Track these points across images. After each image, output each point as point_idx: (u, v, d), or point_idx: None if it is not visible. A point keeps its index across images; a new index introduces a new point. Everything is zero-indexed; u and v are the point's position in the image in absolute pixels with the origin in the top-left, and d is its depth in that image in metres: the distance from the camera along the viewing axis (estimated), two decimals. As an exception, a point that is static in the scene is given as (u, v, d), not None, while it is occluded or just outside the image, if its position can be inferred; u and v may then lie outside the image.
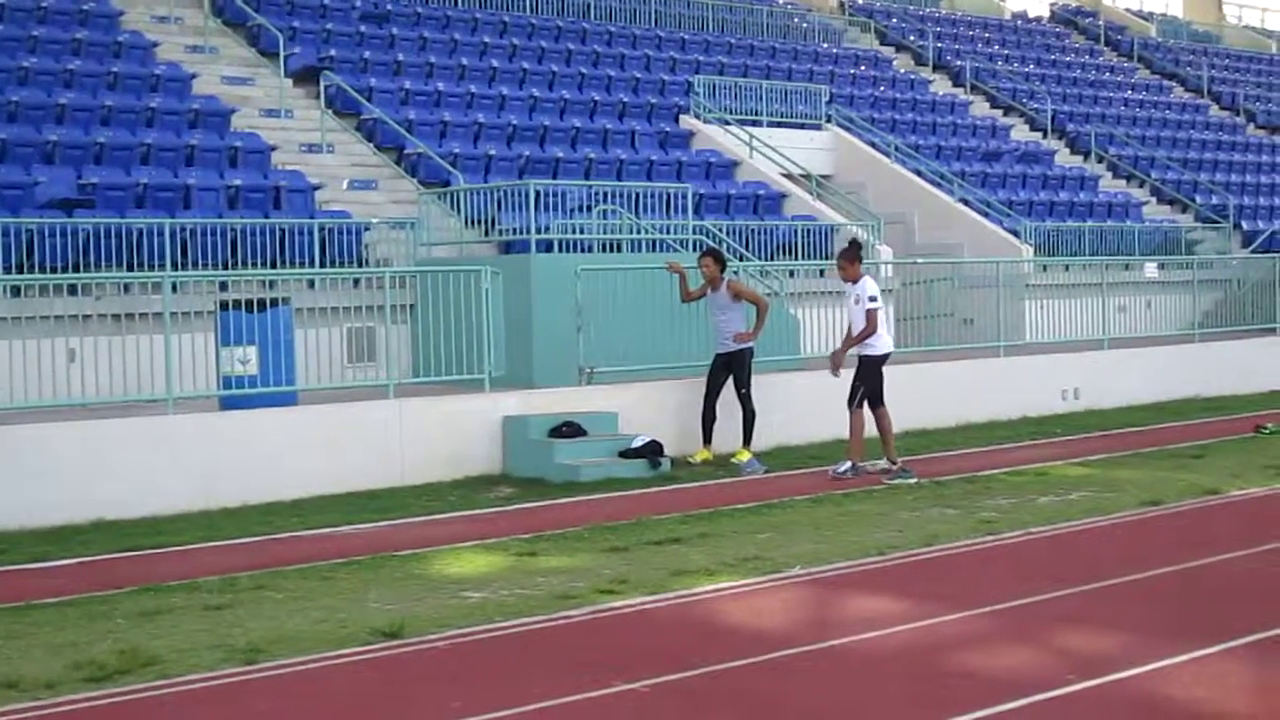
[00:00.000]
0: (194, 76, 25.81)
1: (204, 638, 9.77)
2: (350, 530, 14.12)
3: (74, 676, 8.78)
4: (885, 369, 17.30)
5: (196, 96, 25.03)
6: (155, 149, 22.34)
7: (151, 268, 18.93)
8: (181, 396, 16.13)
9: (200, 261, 19.68)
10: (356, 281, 20.03)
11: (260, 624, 10.12)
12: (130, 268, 19.08)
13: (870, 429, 17.16)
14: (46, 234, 18.70)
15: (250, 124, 25.09)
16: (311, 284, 19.85)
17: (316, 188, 22.77)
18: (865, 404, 17.08)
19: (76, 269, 18.73)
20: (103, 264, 18.94)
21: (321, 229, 20.84)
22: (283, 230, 20.56)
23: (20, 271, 18.25)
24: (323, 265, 20.51)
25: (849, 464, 16.95)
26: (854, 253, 17.47)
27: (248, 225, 20.29)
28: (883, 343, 17.31)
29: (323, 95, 26.58)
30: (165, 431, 15.67)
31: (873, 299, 17.05)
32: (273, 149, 23.82)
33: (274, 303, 16.66)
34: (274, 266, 20.10)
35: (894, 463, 17.06)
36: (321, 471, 16.19)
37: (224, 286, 18.50)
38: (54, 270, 18.50)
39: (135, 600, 11.07)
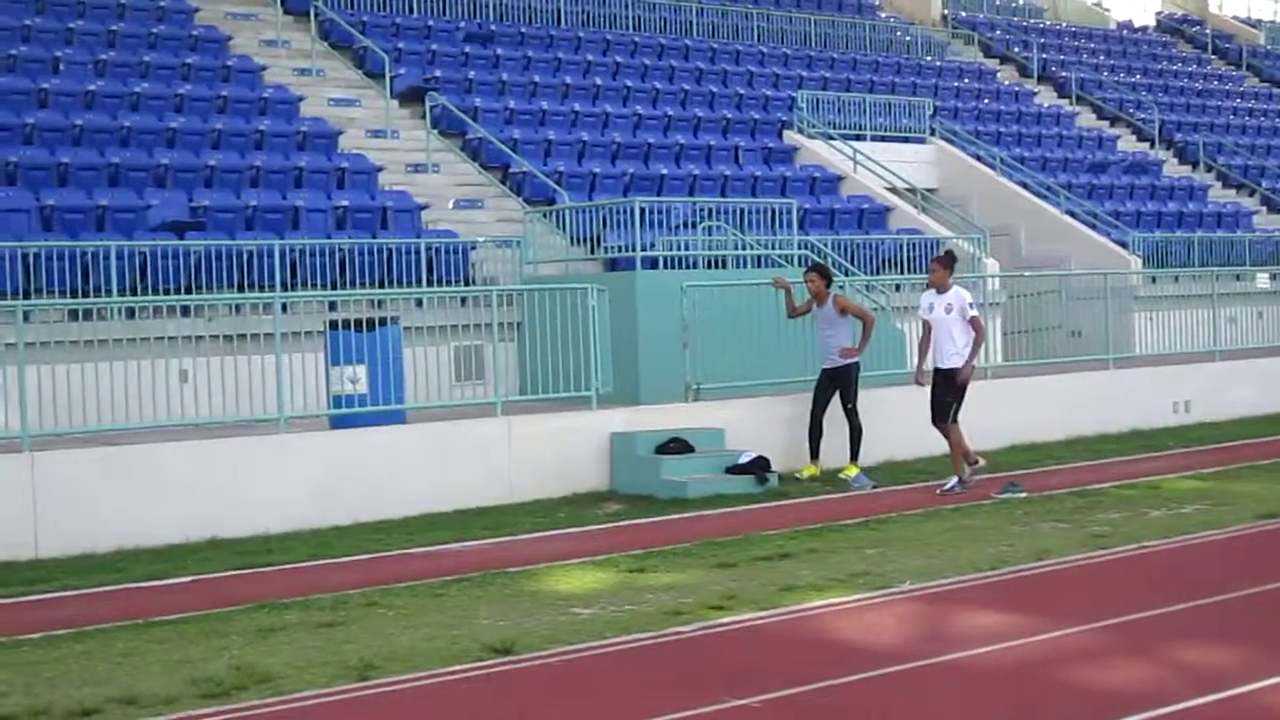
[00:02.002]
0: (301, 99, 26.09)
1: (317, 654, 9.86)
2: (460, 547, 14.20)
3: (191, 693, 8.89)
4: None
5: (304, 119, 25.30)
6: (264, 171, 22.62)
7: (261, 289, 19.16)
8: (292, 416, 16.30)
9: (309, 282, 19.88)
10: (463, 300, 20.16)
11: (373, 641, 10.20)
12: (241, 289, 19.32)
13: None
14: (159, 256, 18.98)
15: (357, 145, 25.34)
16: (419, 303, 19.99)
17: (423, 207, 22.95)
18: (956, 417, 17.06)
19: (188, 291, 19.01)
20: (214, 286, 19.20)
21: (428, 248, 21.00)
22: (390, 250, 20.75)
23: (134, 293, 18.52)
24: (430, 284, 20.64)
25: (956, 479, 16.88)
26: (949, 260, 17.42)
27: (355, 245, 20.49)
28: (962, 357, 17.22)
29: (428, 115, 26.79)
30: (277, 450, 15.84)
31: (973, 304, 17.15)
32: (379, 169, 24.02)
33: (383, 322, 16.80)
34: (382, 286, 20.28)
35: (963, 480, 17.04)
36: (431, 489, 16.30)
37: (333, 306, 18.70)
38: (166, 292, 18.78)
39: (250, 617, 11.19)
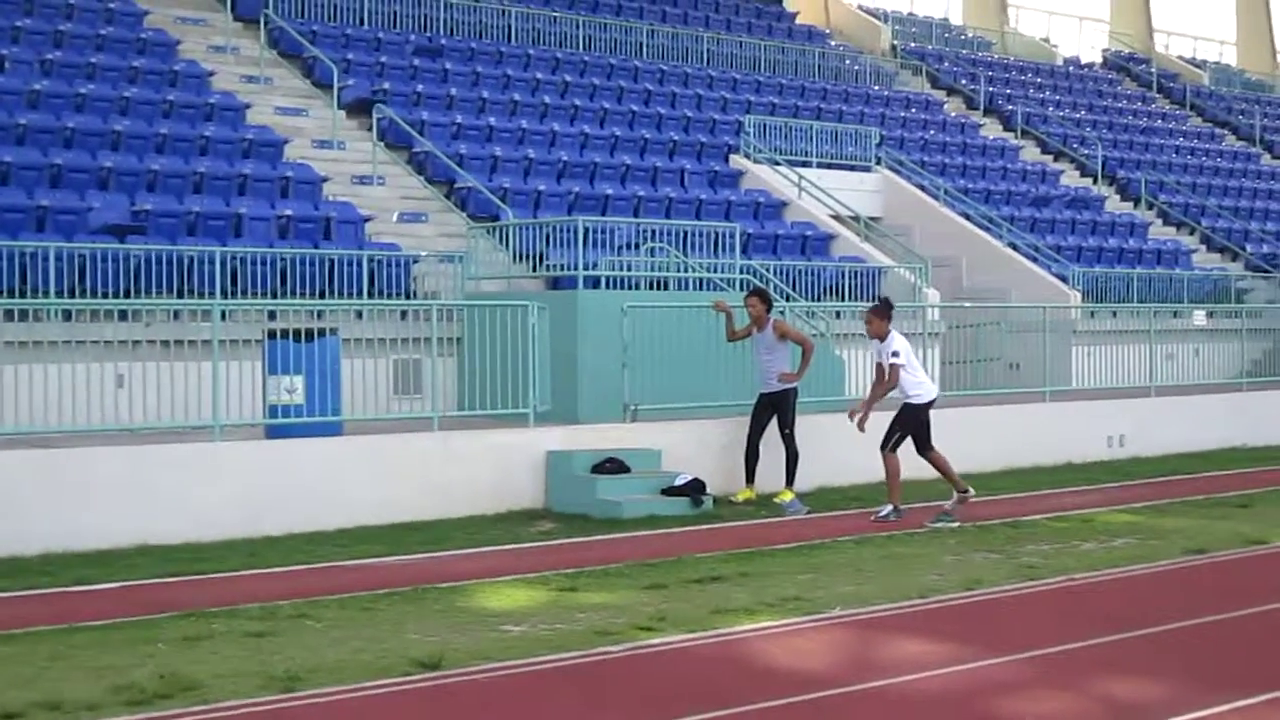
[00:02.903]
0: (248, 106, 25.99)
1: (244, 664, 9.81)
2: (392, 561, 14.15)
3: (115, 700, 8.83)
4: (932, 413, 17.32)
5: (250, 126, 25.21)
6: (208, 177, 22.51)
7: (201, 295, 19.07)
8: (228, 424, 16.22)
9: (249, 290, 19.80)
10: (404, 314, 20.11)
11: (300, 652, 10.15)
12: (180, 295, 19.23)
13: (907, 472, 17.27)
14: (98, 259, 18.86)
15: (302, 155, 25.25)
16: (359, 315, 19.94)
17: (367, 219, 22.89)
18: (898, 448, 17.15)
19: (127, 295, 18.89)
20: (153, 291, 19.09)
21: (371, 261, 20.94)
22: (332, 261, 20.68)
23: (72, 296, 18.40)
24: (371, 297, 20.59)
25: (890, 507, 16.93)
26: (884, 310, 17.33)
27: (297, 255, 20.41)
28: (926, 390, 17.36)
29: (375, 128, 26.74)
30: (211, 458, 15.76)
31: (895, 354, 17.01)
32: (324, 180, 23.96)
33: (322, 333, 16.75)
34: (322, 297, 20.21)
35: (964, 491, 17.25)
36: (365, 502, 16.26)
37: (272, 316, 18.62)
38: (105, 296, 18.66)
39: (177, 625, 11.13)
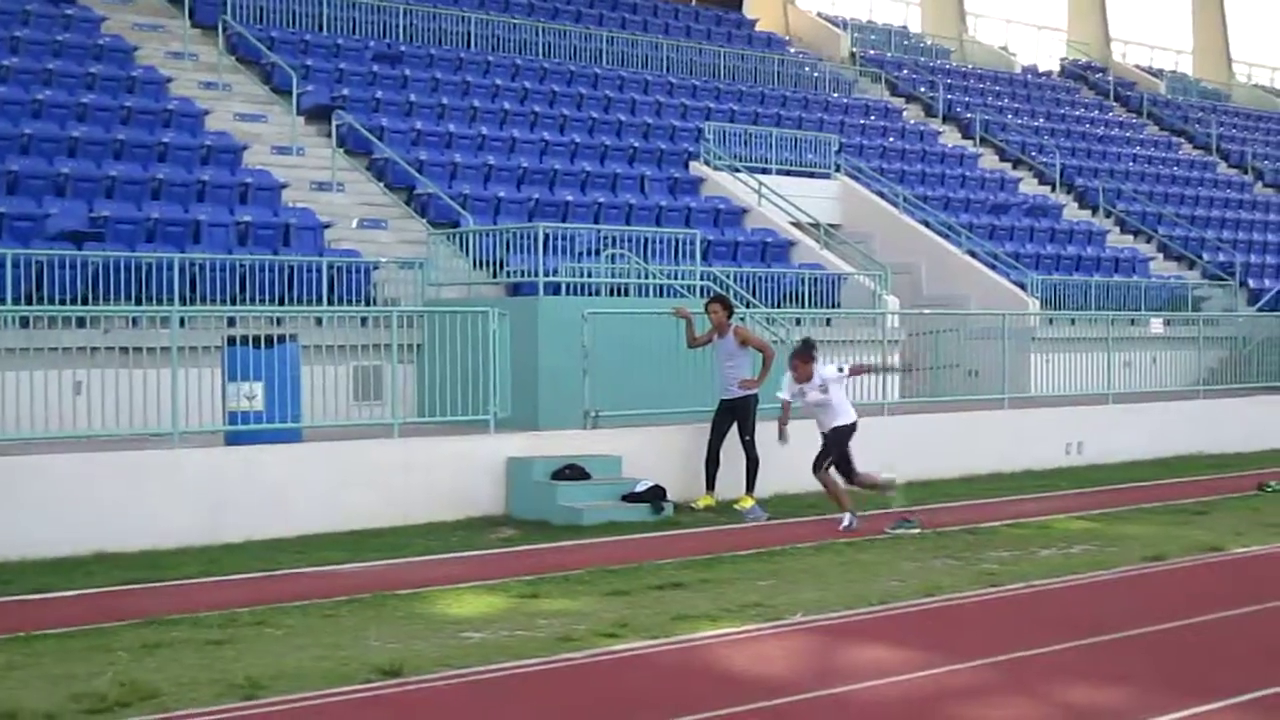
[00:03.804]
0: (207, 113, 25.89)
1: (204, 672, 9.77)
2: (352, 568, 14.13)
3: (74, 708, 8.79)
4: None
5: (209, 132, 25.12)
6: (166, 184, 22.42)
7: (160, 302, 18.98)
8: (187, 431, 16.15)
9: (209, 297, 19.73)
10: (364, 320, 20.05)
11: (260, 660, 10.12)
12: (139, 301, 19.12)
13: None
14: (56, 266, 18.77)
15: (261, 161, 25.16)
16: (319, 321, 19.86)
17: (326, 226, 22.85)
18: (831, 467, 17.26)
19: (85, 301, 18.79)
20: (111, 297, 18.99)
21: (330, 267, 20.90)
22: (291, 267, 20.62)
23: (29, 303, 18.29)
24: (331, 303, 20.54)
25: (848, 516, 16.90)
26: (807, 352, 17.29)
27: (257, 261, 20.36)
28: (849, 414, 17.38)
29: (334, 134, 26.67)
30: (170, 465, 15.70)
31: (840, 370, 17.48)
32: (283, 186, 23.87)
33: (281, 339, 16.71)
34: (282, 303, 20.15)
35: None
36: (325, 509, 16.21)
37: (231, 322, 18.55)
38: (63, 302, 18.56)
39: (136, 633, 11.08)
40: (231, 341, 16.62)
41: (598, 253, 22.66)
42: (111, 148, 23.33)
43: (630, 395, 19.06)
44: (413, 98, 29.32)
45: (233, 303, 19.73)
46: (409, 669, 9.80)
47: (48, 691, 9.19)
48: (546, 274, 20.70)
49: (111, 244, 20.14)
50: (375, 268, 21.86)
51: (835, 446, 17.23)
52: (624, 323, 19.45)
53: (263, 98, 28.43)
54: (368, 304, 21.14)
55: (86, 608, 12.19)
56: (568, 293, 20.99)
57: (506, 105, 30.51)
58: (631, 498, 17.45)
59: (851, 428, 17.31)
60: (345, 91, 28.35)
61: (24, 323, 17.68)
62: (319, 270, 20.79)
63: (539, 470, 17.47)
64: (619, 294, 21.94)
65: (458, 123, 28.97)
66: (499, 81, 31.92)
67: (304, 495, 16.15)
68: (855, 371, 18.49)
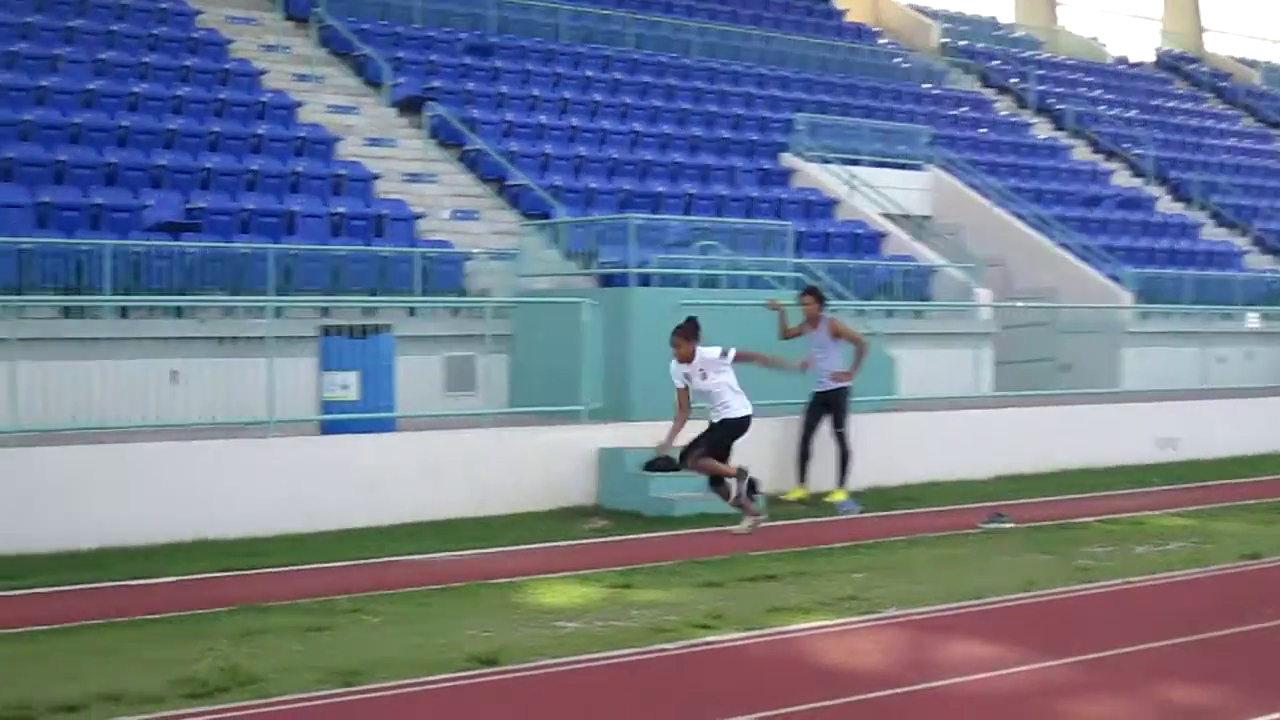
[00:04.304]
0: (300, 105, 26.10)
1: (302, 659, 9.85)
2: (446, 557, 14.20)
3: (176, 693, 8.88)
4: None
5: (302, 124, 25.32)
6: (261, 175, 22.63)
7: (255, 292, 19.16)
8: (282, 420, 16.29)
9: (303, 287, 19.89)
10: (456, 311, 20.16)
11: (359, 647, 10.19)
12: (234, 292, 19.32)
13: (961, 473, 17.11)
14: (153, 257, 18.98)
15: (354, 153, 25.34)
16: (412, 312, 20.00)
17: (419, 217, 22.98)
18: (702, 458, 15.74)
19: (181, 292, 19.00)
20: (207, 287, 19.19)
21: (423, 258, 21.01)
22: (384, 258, 20.76)
23: (127, 293, 18.51)
24: (423, 294, 20.65)
25: (749, 520, 15.96)
26: (685, 329, 15.76)
27: (350, 252, 20.51)
28: (740, 405, 15.91)
29: (426, 126, 26.80)
30: (266, 454, 15.83)
31: (724, 354, 15.70)
32: (376, 177, 24.05)
33: (376, 330, 16.82)
34: (375, 294, 20.29)
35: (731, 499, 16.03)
36: (418, 498, 16.29)
37: (325, 312, 18.70)
38: (160, 292, 18.78)
39: (235, 620, 11.18)
40: (327, 331, 16.73)
41: (689, 244, 22.66)
42: (207, 140, 23.55)
43: (723, 387, 19.01)
44: (504, 89, 29.43)
45: (326, 293, 19.88)
46: (505, 658, 9.83)
47: (150, 675, 9.29)
48: (638, 265, 20.71)
49: (207, 235, 20.34)
50: (467, 259, 21.96)
51: (715, 441, 15.76)
52: (716, 314, 19.40)
53: (355, 90, 28.61)
54: (460, 295, 21.24)
55: (186, 594, 12.31)
56: (659, 284, 21.00)
57: (598, 97, 30.57)
58: (723, 489, 17.42)
59: (741, 423, 15.87)
60: (437, 83, 28.50)
61: (122, 313, 17.93)
62: (412, 261, 20.90)
63: (631, 461, 17.48)
64: (710, 286, 21.92)
65: (549, 114, 29.05)
66: (590, 73, 31.99)
67: (397, 484, 16.24)
68: (741, 358, 15.98)
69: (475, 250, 22.51)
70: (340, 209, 22.12)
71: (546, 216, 24.12)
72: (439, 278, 21.19)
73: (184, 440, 15.83)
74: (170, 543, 14.56)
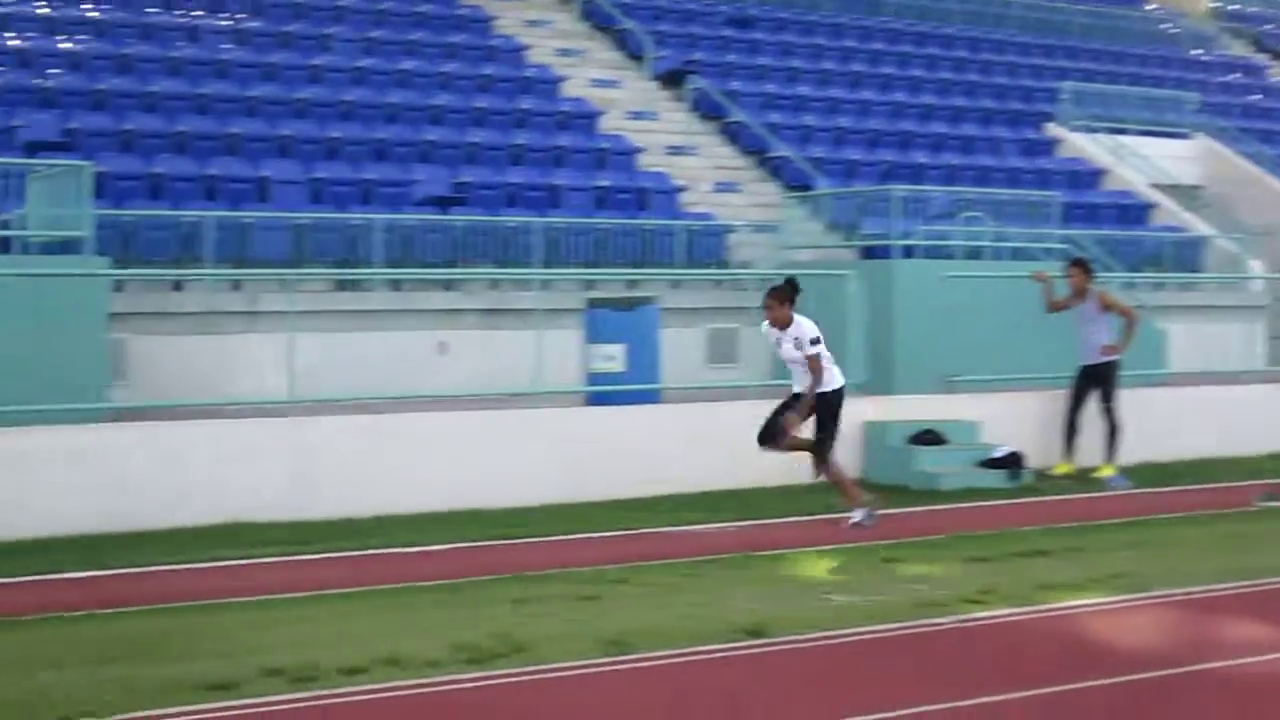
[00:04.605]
0: (563, 79, 26.39)
1: (574, 627, 9.95)
2: (711, 528, 14.26)
3: (454, 658, 9.03)
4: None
5: (565, 99, 25.60)
6: (526, 150, 22.94)
7: (520, 265, 19.42)
8: (549, 391, 16.49)
9: (568, 260, 20.11)
10: (718, 283, 20.21)
11: (628, 616, 10.26)
12: (500, 265, 19.61)
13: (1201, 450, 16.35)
14: (422, 230, 19.37)
15: (617, 126, 25.53)
16: (675, 285, 20.10)
17: (681, 189, 23.07)
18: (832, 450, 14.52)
19: (450, 265, 19.34)
20: (474, 260, 19.52)
21: (686, 230, 21.11)
22: (648, 231, 20.91)
23: (397, 266, 18.90)
24: (686, 266, 20.74)
25: (861, 511, 14.55)
26: (781, 292, 14.43)
27: (614, 225, 20.69)
28: (832, 377, 14.55)
29: (688, 98, 26.90)
30: (532, 425, 16.02)
31: (815, 341, 14.27)
32: (639, 151, 24.20)
33: (642, 302, 16.96)
34: (638, 266, 20.43)
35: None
36: (682, 469, 16.35)
37: (589, 285, 18.90)
38: (429, 266, 19.15)
39: (508, 587, 11.34)
40: (594, 304, 16.89)
41: (952, 215, 22.39)
42: (472, 115, 23.95)
43: (987, 360, 18.84)
44: (765, 61, 29.41)
45: (591, 266, 20.08)
46: (773, 630, 9.82)
47: (428, 641, 9.46)
48: (901, 238, 20.54)
49: (474, 208, 20.68)
50: (729, 231, 22.00)
51: (819, 422, 14.44)
52: (981, 286, 19.22)
53: (617, 63, 28.82)
54: (722, 267, 21.29)
55: (460, 562, 12.54)
56: (922, 256, 20.81)
57: (858, 68, 30.38)
58: (989, 463, 17.23)
59: (834, 396, 14.50)
60: (698, 56, 28.59)
61: (393, 285, 18.29)
62: (675, 234, 21.01)
63: (895, 435, 17.37)
64: (974, 257, 21.65)
65: (810, 86, 28.96)
66: (851, 44, 31.80)
67: (662, 456, 16.31)
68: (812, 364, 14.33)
69: (737, 223, 22.53)
70: (604, 182, 22.35)
71: (808, 188, 24.05)
72: (701, 250, 21.27)
73: (453, 411, 16.11)
74: (441, 511, 14.83)
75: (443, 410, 16.15)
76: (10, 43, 22.46)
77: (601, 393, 16.66)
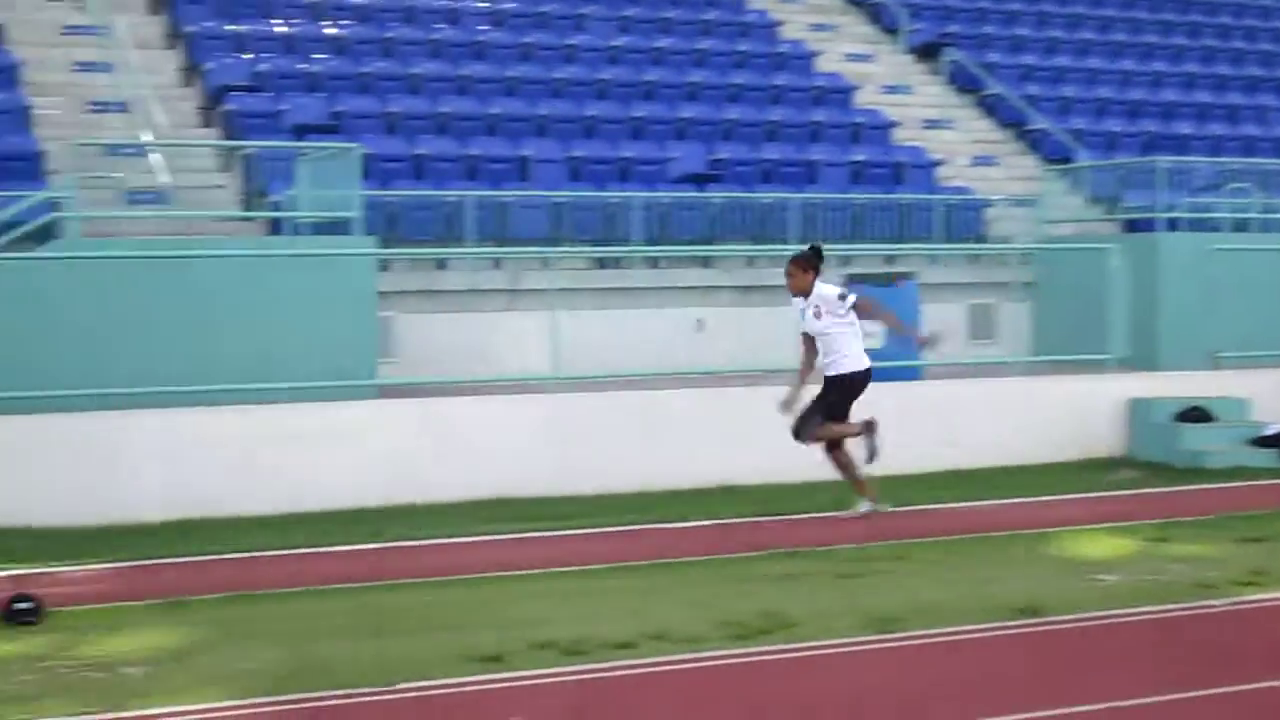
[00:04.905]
0: (816, 54, 26.26)
1: (838, 604, 9.93)
2: (974, 506, 14.12)
3: (718, 634, 9.07)
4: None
5: (819, 74, 25.48)
6: (781, 125, 22.90)
7: (777, 241, 19.39)
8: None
9: (823, 235, 20.03)
10: (976, 258, 19.96)
11: (895, 594, 10.20)
12: (757, 241, 19.61)
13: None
14: (679, 208, 19.45)
15: (871, 100, 25.34)
16: (932, 260, 19.91)
17: (938, 164, 22.83)
18: (821, 429, 13.33)
19: (707, 242, 19.41)
20: (730, 237, 19.55)
21: (944, 205, 20.89)
22: (904, 205, 20.74)
23: (655, 244, 19.02)
24: (944, 241, 20.53)
25: (866, 503, 13.63)
26: (804, 258, 13.29)
27: (870, 200, 20.56)
28: (856, 359, 13.25)
29: (944, 71, 26.59)
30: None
31: (843, 297, 13.08)
32: (894, 125, 24.00)
33: (901, 277, 16.83)
34: (896, 242, 20.28)
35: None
36: (941, 446, 16.20)
37: (846, 261, 18.79)
38: (686, 243, 19.23)
39: (769, 564, 11.37)
40: (853, 280, 16.80)
41: (1218, 187, 21.81)
42: (727, 91, 23.95)
43: (1258, 336, 18.33)
44: (1022, 32, 28.96)
45: (848, 241, 19.98)
46: (1046, 609, 9.70)
47: (691, 615, 9.53)
48: (1165, 210, 20.08)
49: (730, 185, 20.70)
50: (988, 205, 21.72)
51: (831, 404, 13.27)
52: (1251, 260, 18.70)
53: (871, 37, 28.59)
54: (980, 242, 21.03)
55: (721, 538, 12.59)
56: (1187, 229, 20.31)
57: (1119, 37, 29.74)
58: (1259, 442, 16.76)
59: (853, 380, 13.25)
60: (953, 28, 28.23)
61: (651, 262, 18.39)
62: (932, 209, 20.81)
63: (1161, 412, 17.00)
64: (1241, 230, 21.07)
65: (1068, 56, 28.43)
66: (1111, 12, 31.11)
67: (921, 433, 16.14)
68: (862, 309, 13.21)
69: (995, 197, 22.22)
70: (860, 157, 22.21)
71: (1067, 161, 23.62)
72: (959, 225, 21.02)
73: (711, 387, 16.14)
74: (699, 488, 14.90)
75: (700, 387, 16.19)
76: (277, 29, 23.02)
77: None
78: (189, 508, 13.47)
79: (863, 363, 13.18)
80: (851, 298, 13.10)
